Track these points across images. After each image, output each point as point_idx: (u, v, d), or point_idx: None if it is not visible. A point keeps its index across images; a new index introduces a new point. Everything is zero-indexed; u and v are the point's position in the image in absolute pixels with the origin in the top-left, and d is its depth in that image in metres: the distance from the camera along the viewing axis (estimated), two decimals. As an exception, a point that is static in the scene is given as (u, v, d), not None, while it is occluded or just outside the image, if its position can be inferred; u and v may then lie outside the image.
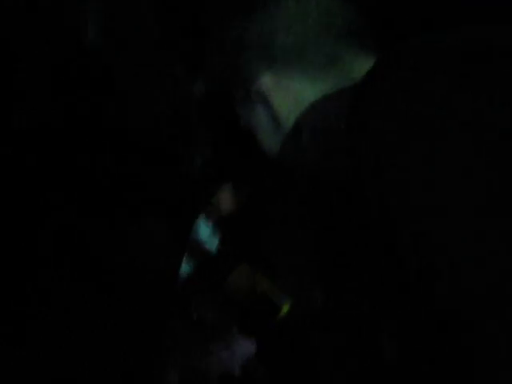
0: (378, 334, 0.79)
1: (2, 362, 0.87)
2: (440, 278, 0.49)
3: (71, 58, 0.94)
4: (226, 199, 0.96)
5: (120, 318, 1.00)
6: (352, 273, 0.87)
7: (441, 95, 0.51)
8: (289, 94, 0.69)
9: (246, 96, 0.72)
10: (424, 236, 0.49)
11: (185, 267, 1.21)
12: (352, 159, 0.58)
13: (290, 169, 0.76)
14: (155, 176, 0.99)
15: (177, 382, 0.96)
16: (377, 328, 0.80)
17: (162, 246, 1.10)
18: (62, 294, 0.94)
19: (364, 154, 0.55)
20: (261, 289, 0.84)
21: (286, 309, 0.82)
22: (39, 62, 0.94)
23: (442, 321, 0.50)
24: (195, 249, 1.15)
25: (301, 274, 0.93)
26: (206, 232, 1.12)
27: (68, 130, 0.94)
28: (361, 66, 0.67)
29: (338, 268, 0.91)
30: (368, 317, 0.82)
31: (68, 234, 0.97)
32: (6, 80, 0.91)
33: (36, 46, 0.94)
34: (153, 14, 1.00)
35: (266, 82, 0.69)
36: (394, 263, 0.56)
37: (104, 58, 0.96)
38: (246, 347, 0.91)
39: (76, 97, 0.94)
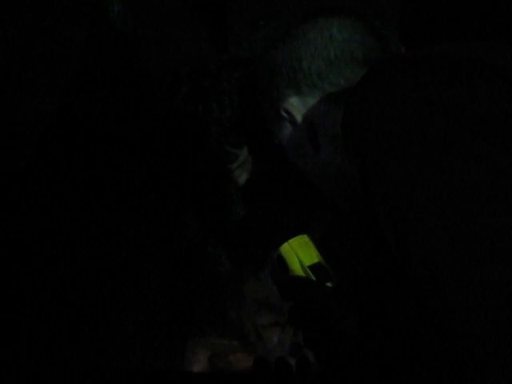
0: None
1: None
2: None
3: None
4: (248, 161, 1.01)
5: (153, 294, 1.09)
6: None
7: (423, 105, 0.53)
8: (314, 114, 0.76)
9: (275, 115, 0.81)
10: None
11: (208, 248, 1.26)
12: (348, 161, 0.63)
13: (312, 177, 0.82)
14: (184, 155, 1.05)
15: (206, 362, 1.05)
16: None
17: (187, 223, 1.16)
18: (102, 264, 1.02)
19: (352, 156, 0.58)
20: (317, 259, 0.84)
21: (333, 283, 0.83)
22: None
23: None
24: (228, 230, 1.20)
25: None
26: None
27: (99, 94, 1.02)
28: None
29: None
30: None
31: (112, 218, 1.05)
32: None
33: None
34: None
35: (293, 102, 0.77)
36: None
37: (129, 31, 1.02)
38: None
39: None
